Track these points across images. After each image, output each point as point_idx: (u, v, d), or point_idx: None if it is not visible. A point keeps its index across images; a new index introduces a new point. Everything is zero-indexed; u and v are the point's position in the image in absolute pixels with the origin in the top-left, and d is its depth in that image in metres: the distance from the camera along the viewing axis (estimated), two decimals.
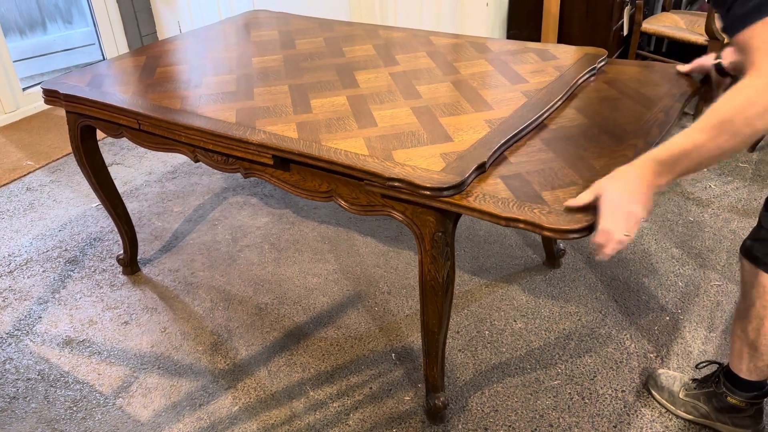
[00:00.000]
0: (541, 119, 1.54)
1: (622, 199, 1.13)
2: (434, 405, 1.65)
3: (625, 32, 3.27)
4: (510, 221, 1.20)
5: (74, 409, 1.78)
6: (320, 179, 1.48)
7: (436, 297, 1.42)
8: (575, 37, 3.10)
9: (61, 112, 3.72)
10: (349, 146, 1.44)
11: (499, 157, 1.40)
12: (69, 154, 3.22)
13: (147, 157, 3.17)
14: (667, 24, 3.26)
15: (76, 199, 2.83)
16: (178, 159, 3.14)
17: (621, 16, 3.15)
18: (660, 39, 3.75)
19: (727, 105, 1.07)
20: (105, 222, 2.64)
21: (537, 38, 3.18)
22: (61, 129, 3.50)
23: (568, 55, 1.90)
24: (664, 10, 3.50)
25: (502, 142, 1.41)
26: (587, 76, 1.75)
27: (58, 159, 3.17)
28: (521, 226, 1.19)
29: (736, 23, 1.10)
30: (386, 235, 2.49)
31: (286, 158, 1.48)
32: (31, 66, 4.12)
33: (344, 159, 1.38)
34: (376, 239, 2.47)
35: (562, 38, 3.13)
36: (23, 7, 4.10)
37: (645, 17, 3.31)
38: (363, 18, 3.43)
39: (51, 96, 1.90)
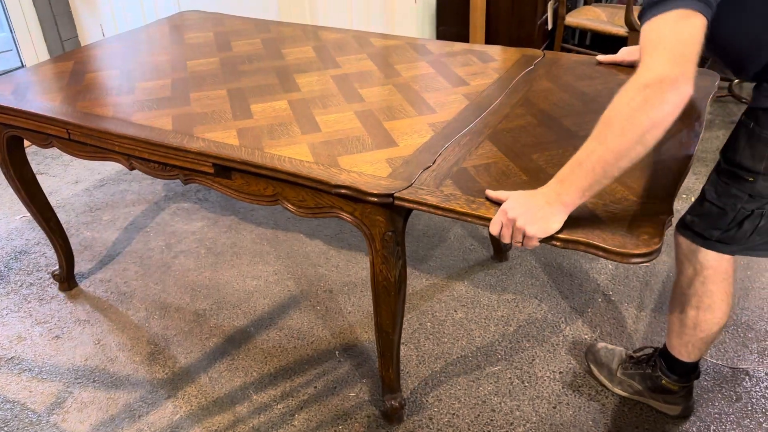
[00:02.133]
0: (486, 120, 1.55)
1: (515, 207, 1.13)
2: (391, 406, 1.65)
3: (550, 26, 3.37)
4: (568, 243, 1.12)
5: (5, 429, 1.70)
6: (265, 183, 1.46)
7: (389, 297, 1.43)
8: (502, 32, 3.18)
9: None
10: (293, 153, 1.43)
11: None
12: None
13: (73, 165, 3.05)
14: (590, 17, 3.38)
15: None
16: (106, 166, 3.04)
17: (545, 11, 3.25)
18: (583, 32, 3.88)
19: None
20: (30, 234, 2.53)
21: (465, 34, 3.24)
22: None
23: (506, 56, 1.93)
24: (586, 3, 3.63)
25: (446, 145, 1.42)
26: (525, 76, 1.78)
27: None
28: (581, 248, 1.11)
29: (640, 15, 1.13)
30: (326, 234, 2.49)
31: (227, 166, 1.46)
32: None
33: (289, 167, 1.37)
34: (316, 238, 2.46)
35: (490, 34, 3.20)
36: None
37: (568, 11, 3.41)
38: (293, 17, 3.40)
39: None
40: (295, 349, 1.94)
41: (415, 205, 1.25)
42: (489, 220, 1.18)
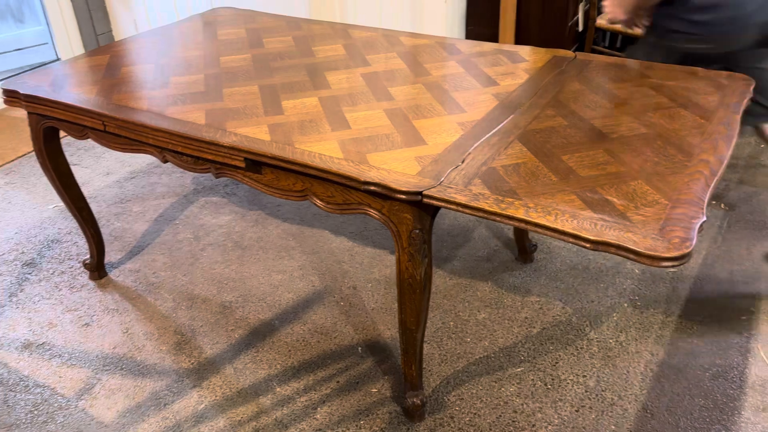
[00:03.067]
0: (515, 121, 1.56)
1: None
2: (413, 403, 1.66)
3: (581, 28, 3.35)
4: (599, 245, 1.12)
5: (35, 413, 1.75)
6: (294, 179, 1.48)
7: (414, 294, 1.44)
8: (532, 33, 3.16)
9: (15, 113, 3.62)
10: (323, 149, 1.45)
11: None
12: (23, 155, 3.14)
13: (105, 157, 3.11)
14: None
15: (32, 201, 2.77)
16: (137, 159, 3.09)
17: (576, 12, 3.23)
18: (614, 34, 3.84)
19: None
20: (63, 224, 2.59)
21: (495, 34, 3.23)
22: (14, 130, 3.41)
23: (537, 57, 1.93)
24: None
25: (475, 145, 1.43)
26: (556, 77, 1.78)
27: (12, 161, 3.09)
28: (612, 250, 1.11)
29: None
30: (351, 231, 2.50)
31: (258, 161, 1.48)
32: None
33: (319, 162, 1.39)
34: (341, 235, 2.48)
35: (520, 34, 3.19)
36: None
37: (599, 13, 3.38)
38: (323, 15, 3.43)
39: (11, 96, 1.85)
40: (318, 344, 1.95)
41: (443, 204, 1.26)
42: (518, 219, 1.18)
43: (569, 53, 1.95)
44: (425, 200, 1.28)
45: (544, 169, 1.33)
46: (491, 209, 1.20)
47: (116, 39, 4.20)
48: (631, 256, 1.10)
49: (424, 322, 1.54)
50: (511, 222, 1.19)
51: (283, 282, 2.23)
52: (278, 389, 1.80)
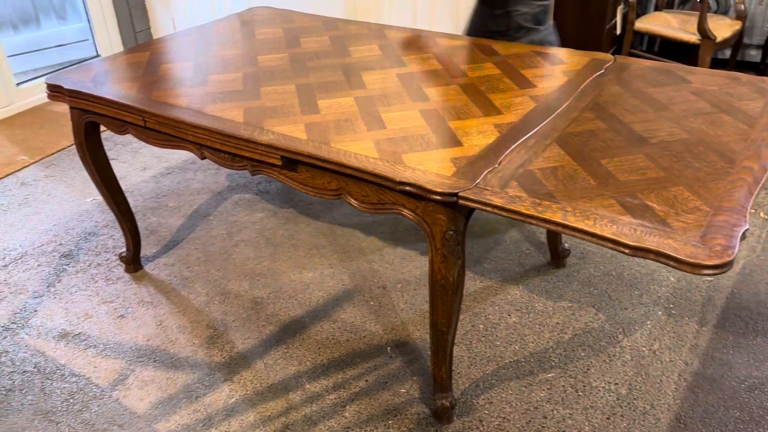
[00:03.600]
0: (553, 123, 1.54)
1: None
2: (442, 405, 1.66)
3: (618, 31, 3.30)
4: (638, 251, 1.10)
5: (70, 401, 1.79)
6: (329, 177, 1.49)
7: (446, 296, 1.44)
8: (569, 36, 3.12)
9: (55, 107, 3.71)
10: (358, 148, 1.45)
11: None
12: (63, 149, 3.21)
13: (142, 153, 3.17)
14: (660, 23, 3.29)
15: (71, 194, 2.83)
16: (173, 155, 3.14)
17: (614, 15, 3.19)
18: (652, 38, 3.78)
19: None
20: (100, 217, 2.64)
21: None
22: (54, 124, 3.49)
23: (575, 59, 1.91)
24: (656, 9, 3.54)
25: (512, 147, 1.42)
26: (595, 80, 1.76)
27: (51, 154, 3.16)
28: (651, 257, 1.09)
29: None
30: (381, 231, 2.50)
31: (294, 159, 1.49)
32: (24, 61, 4.10)
33: (354, 162, 1.39)
34: (372, 235, 2.48)
35: None
36: (17, 2, 4.08)
37: (638, 16, 3.34)
38: (358, 15, 3.44)
39: (55, 91, 1.89)
40: (347, 342, 1.96)
41: (479, 205, 1.25)
42: (555, 223, 1.17)
43: (608, 56, 1.92)
44: (460, 202, 1.28)
45: (582, 173, 1.32)
46: (528, 212, 1.20)
47: (154, 37, 4.27)
48: (671, 263, 1.08)
49: (455, 324, 1.54)
50: (548, 225, 1.18)
51: (313, 280, 2.25)
52: (308, 386, 1.81)
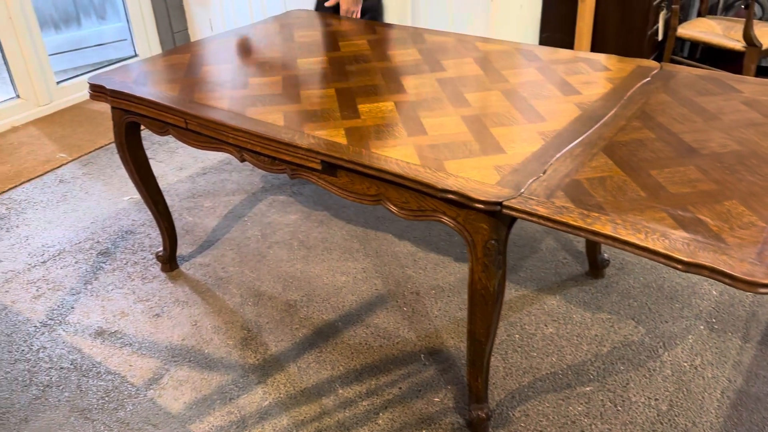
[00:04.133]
0: (600, 132, 1.51)
1: None
2: (477, 416, 1.63)
3: (660, 37, 3.24)
4: (691, 267, 1.07)
5: (106, 399, 1.80)
6: (369, 183, 1.48)
7: (486, 306, 1.41)
8: (609, 41, 3.07)
9: (93, 105, 3.77)
10: (399, 154, 1.44)
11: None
12: (101, 147, 3.26)
13: (178, 153, 3.19)
14: (703, 29, 3.22)
15: (108, 192, 2.86)
16: (209, 155, 3.16)
17: (656, 21, 3.12)
18: (694, 45, 3.70)
19: None
20: (137, 215, 2.67)
21: (570, 41, 3.15)
22: (93, 122, 3.54)
23: (620, 66, 1.87)
24: (699, 15, 3.46)
25: (558, 155, 1.39)
26: (641, 88, 1.72)
27: (90, 152, 3.21)
28: (705, 273, 1.06)
29: None
30: (415, 236, 2.49)
31: (334, 164, 1.48)
32: (65, 60, 4.18)
33: (395, 168, 1.38)
34: (405, 239, 2.46)
35: (596, 42, 3.10)
36: (59, 1, 4.16)
37: (679, 22, 3.27)
38: (392, 18, 3.43)
39: (97, 91, 1.92)
40: (380, 348, 1.95)
41: (524, 216, 1.23)
42: (605, 236, 1.14)
43: (654, 63, 1.88)
44: (504, 211, 1.25)
45: (631, 184, 1.28)
46: (576, 224, 1.17)
47: (192, 37, 4.31)
48: (727, 280, 1.04)
49: (493, 335, 1.51)
50: (596, 238, 1.15)
51: (346, 284, 2.24)
52: (341, 391, 1.80)
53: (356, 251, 2.41)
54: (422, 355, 1.91)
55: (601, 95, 1.69)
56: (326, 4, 2.57)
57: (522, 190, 1.27)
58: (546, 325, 1.99)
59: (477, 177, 1.34)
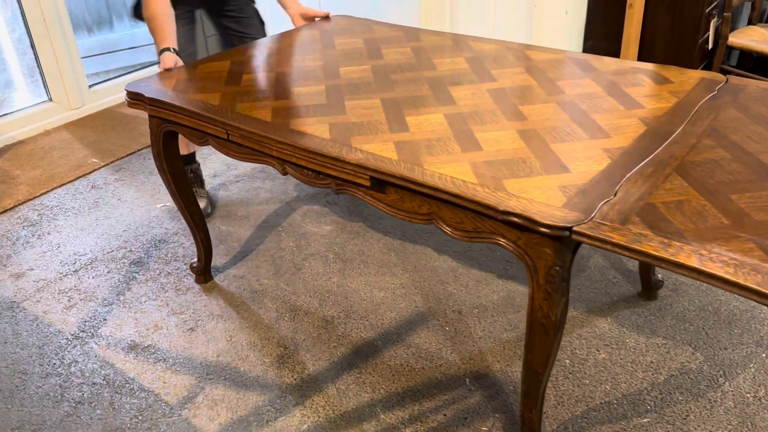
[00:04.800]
0: (670, 150, 1.41)
1: None
2: None
3: (710, 46, 3.11)
4: (733, 286, 1.00)
5: (140, 418, 1.74)
6: (420, 201, 1.39)
7: (546, 336, 1.32)
8: (658, 49, 2.96)
9: (125, 110, 3.74)
10: (454, 171, 1.35)
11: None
12: (133, 153, 3.22)
13: (211, 159, 3.14)
14: (755, 38, 3.09)
15: (141, 199, 2.82)
16: (242, 162, 3.10)
17: (707, 29, 3.00)
18: (744, 53, 3.56)
19: None
20: (170, 224, 2.62)
21: (616, 50, 3.04)
22: (125, 127, 3.51)
23: (683, 78, 1.76)
24: (750, 23, 3.33)
25: (628, 176, 1.29)
26: (708, 102, 1.61)
27: (122, 158, 3.17)
28: (753, 297, 0.99)
29: None
30: (454, 250, 2.40)
31: (384, 180, 1.40)
32: (96, 63, 4.17)
33: (451, 187, 1.29)
34: (444, 254, 2.38)
35: (643, 51, 2.99)
36: (92, 4, 4.15)
37: (732, 29, 3.14)
38: (432, 24, 3.35)
39: (134, 99, 1.86)
40: (423, 370, 1.86)
41: (597, 243, 1.13)
42: (689, 269, 1.04)
43: (719, 76, 1.77)
44: (574, 237, 1.16)
45: (712, 210, 1.18)
46: (657, 254, 1.07)
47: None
48: None
49: (551, 366, 1.42)
50: (680, 271, 1.06)
51: (385, 300, 2.16)
52: (382, 416, 1.72)
53: (394, 265, 2.33)
54: (467, 380, 1.82)
55: (667, 110, 1.59)
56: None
57: (593, 215, 1.18)
58: (598, 350, 1.89)
59: (541, 198, 1.25)
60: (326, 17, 2.52)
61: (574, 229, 1.15)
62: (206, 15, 2.67)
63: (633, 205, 1.21)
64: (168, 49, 2.05)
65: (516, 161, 1.40)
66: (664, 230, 1.13)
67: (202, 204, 2.61)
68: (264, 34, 2.65)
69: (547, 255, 1.25)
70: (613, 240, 1.11)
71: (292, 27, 2.49)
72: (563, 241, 1.22)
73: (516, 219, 1.21)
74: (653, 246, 1.09)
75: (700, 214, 1.17)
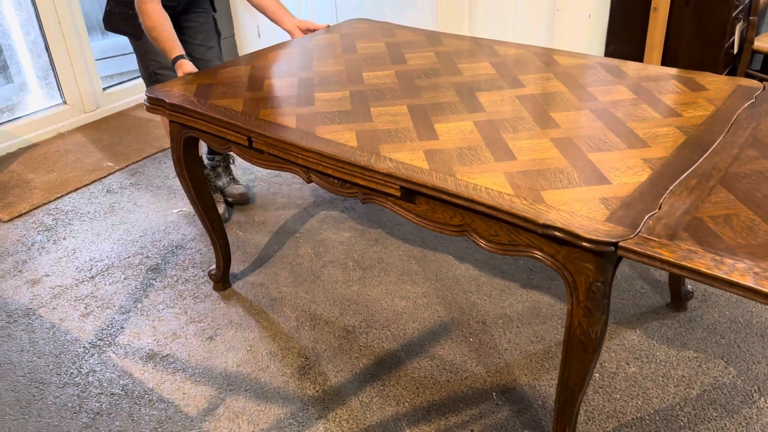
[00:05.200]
0: (713, 161, 1.36)
1: None
2: None
3: (735, 50, 3.06)
4: None
5: (159, 430, 1.70)
6: (452, 212, 1.35)
7: (585, 354, 1.27)
8: (682, 54, 2.90)
9: (140, 113, 3.71)
10: (488, 182, 1.31)
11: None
12: (148, 156, 3.19)
13: None
14: None
15: (156, 204, 2.79)
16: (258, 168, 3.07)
17: (733, 33, 2.95)
18: (767, 58, 3.50)
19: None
20: (186, 229, 2.58)
21: (638, 54, 2.99)
22: (139, 130, 3.48)
23: (718, 85, 1.71)
24: None
25: (671, 188, 1.25)
26: (747, 110, 1.56)
27: (137, 161, 3.14)
28: None
29: None
30: (476, 258, 2.35)
31: (415, 190, 1.36)
32: (111, 65, 4.14)
33: (486, 198, 1.25)
34: (466, 262, 2.33)
35: (667, 55, 2.94)
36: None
37: (758, 33, 3.08)
38: (450, 27, 3.31)
39: (154, 104, 1.83)
40: (448, 383, 1.82)
41: (644, 259, 1.09)
42: (744, 288, 1.00)
43: (756, 83, 1.72)
44: (620, 253, 1.11)
45: (762, 225, 1.13)
46: (710, 272, 1.02)
47: (239, 44, 4.24)
48: None
49: (588, 384, 1.37)
50: (733, 290, 1.01)
51: (406, 309, 2.11)
52: (407, 431, 1.67)
53: (415, 273, 2.29)
54: (494, 394, 1.77)
55: (705, 118, 1.54)
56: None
57: (639, 229, 1.13)
58: (628, 363, 1.84)
59: (582, 211, 1.20)
60: (326, 28, 2.44)
61: (620, 244, 1.11)
62: None
63: (680, 220, 1.16)
64: (182, 56, 2.02)
65: (553, 171, 1.35)
66: (714, 246, 1.08)
67: (220, 209, 2.58)
68: (218, 44, 2.62)
69: (588, 270, 1.20)
70: (662, 257, 1.07)
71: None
72: (605, 256, 1.18)
73: (557, 233, 1.17)
74: (704, 263, 1.04)
75: (750, 229, 1.12)
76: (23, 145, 3.35)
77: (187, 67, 2.00)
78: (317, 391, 1.80)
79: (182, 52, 2.04)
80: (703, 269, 1.03)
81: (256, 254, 2.41)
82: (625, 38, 3.02)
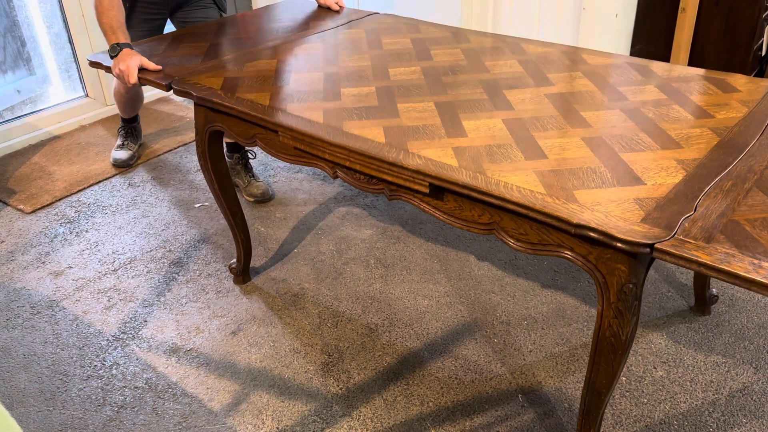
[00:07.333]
0: (748, 163, 1.33)
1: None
2: None
3: (763, 52, 3.01)
4: None
5: (183, 425, 1.71)
6: (481, 210, 1.34)
7: (614, 356, 1.26)
8: (709, 55, 2.86)
9: (161, 106, 3.72)
10: (520, 181, 1.29)
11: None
12: (170, 150, 3.20)
13: None
14: None
15: (179, 197, 2.80)
16: (279, 162, 3.07)
17: (762, 35, 2.91)
18: None
19: None
20: (208, 224, 2.59)
21: (665, 55, 2.96)
22: (160, 124, 3.49)
23: (751, 87, 1.68)
24: None
25: (707, 190, 1.23)
26: None
27: (159, 155, 3.16)
28: None
29: None
30: (499, 258, 2.34)
31: (443, 187, 1.35)
32: None
33: (518, 197, 1.23)
34: (489, 262, 2.32)
35: (694, 56, 2.90)
36: None
37: None
38: (474, 24, 3.29)
39: (182, 95, 1.83)
40: (472, 384, 1.81)
41: (681, 262, 1.07)
42: None
43: None
44: (656, 254, 1.10)
45: None
46: (749, 276, 1.00)
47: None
48: None
49: (615, 386, 1.36)
50: None
51: (429, 308, 2.10)
52: (432, 430, 1.67)
53: (437, 272, 2.28)
54: (519, 396, 1.76)
55: (738, 120, 1.52)
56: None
57: (675, 231, 1.12)
58: (655, 368, 1.82)
59: (617, 212, 1.19)
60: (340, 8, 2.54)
61: (657, 246, 1.09)
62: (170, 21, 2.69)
63: (716, 222, 1.14)
64: (127, 45, 1.97)
65: (585, 171, 1.34)
66: (753, 250, 1.06)
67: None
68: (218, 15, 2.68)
69: (620, 272, 1.19)
70: (699, 259, 1.05)
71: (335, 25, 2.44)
72: (639, 258, 1.16)
73: (592, 234, 1.15)
74: (743, 267, 1.02)
75: None
76: (45, 138, 3.37)
77: (130, 60, 1.90)
78: (341, 389, 1.80)
79: (126, 40, 1.99)
80: (742, 273, 1.01)
81: (276, 249, 2.41)
82: (651, 38, 2.99)
